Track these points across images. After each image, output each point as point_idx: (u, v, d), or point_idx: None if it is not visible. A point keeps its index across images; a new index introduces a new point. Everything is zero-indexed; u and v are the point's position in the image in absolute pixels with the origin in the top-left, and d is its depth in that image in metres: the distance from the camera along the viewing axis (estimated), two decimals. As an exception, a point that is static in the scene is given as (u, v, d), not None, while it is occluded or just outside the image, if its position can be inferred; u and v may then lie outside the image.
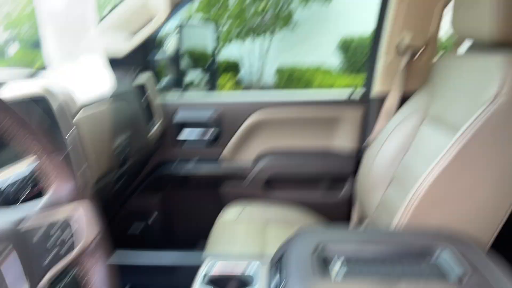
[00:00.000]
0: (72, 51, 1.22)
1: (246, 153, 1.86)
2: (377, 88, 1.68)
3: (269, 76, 9.48)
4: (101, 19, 1.55)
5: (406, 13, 1.54)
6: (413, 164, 1.25)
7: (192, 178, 1.85)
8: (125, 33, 1.59)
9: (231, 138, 1.83)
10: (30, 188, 0.86)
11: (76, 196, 0.64)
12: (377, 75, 1.68)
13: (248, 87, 9.09)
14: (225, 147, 1.84)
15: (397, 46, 1.59)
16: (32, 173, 0.87)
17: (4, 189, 0.79)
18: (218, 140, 1.84)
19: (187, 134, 1.84)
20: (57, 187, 0.63)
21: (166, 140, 1.84)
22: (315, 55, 9.20)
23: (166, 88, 1.92)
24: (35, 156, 0.61)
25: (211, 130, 1.83)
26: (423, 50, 1.57)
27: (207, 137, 1.83)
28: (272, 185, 1.85)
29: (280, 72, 9.21)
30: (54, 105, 1.04)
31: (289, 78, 8.66)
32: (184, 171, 1.85)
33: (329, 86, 7.40)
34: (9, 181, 0.81)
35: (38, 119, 0.64)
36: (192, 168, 1.85)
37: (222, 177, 1.86)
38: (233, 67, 9.19)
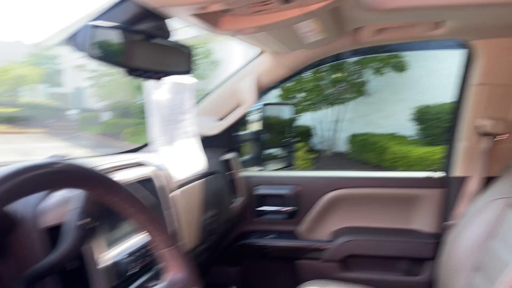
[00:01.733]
0: (173, 135, 1.39)
1: (323, 230, 1.89)
2: (457, 171, 1.69)
3: (342, 143, 9.51)
4: (197, 104, 1.74)
5: (487, 102, 1.57)
6: (501, 253, 1.22)
7: (269, 252, 1.91)
8: (215, 117, 1.78)
9: (308, 214, 1.89)
10: (142, 261, 0.98)
11: (188, 284, 0.73)
12: (457, 159, 1.69)
13: (321, 153, 9.16)
14: (302, 222, 1.90)
15: (477, 131, 1.60)
16: (143, 248, 0.99)
17: (122, 260, 0.91)
18: (296, 215, 1.91)
19: (266, 208, 1.93)
20: (173, 275, 0.73)
21: (246, 213, 1.94)
22: (389, 124, 9.13)
23: (248, 164, 2.06)
24: (148, 236, 0.71)
25: (289, 205, 1.90)
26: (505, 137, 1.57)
27: (285, 212, 1.91)
28: (348, 264, 1.85)
29: (353, 139, 9.21)
30: (158, 185, 1.20)
31: (363, 144, 8.63)
32: (262, 244, 1.92)
33: (404, 153, 7.25)
34: (126, 254, 0.94)
35: (147, 200, 0.76)
36: (270, 241, 1.92)
37: (299, 252, 1.90)
38: (305, 134, 9.36)
